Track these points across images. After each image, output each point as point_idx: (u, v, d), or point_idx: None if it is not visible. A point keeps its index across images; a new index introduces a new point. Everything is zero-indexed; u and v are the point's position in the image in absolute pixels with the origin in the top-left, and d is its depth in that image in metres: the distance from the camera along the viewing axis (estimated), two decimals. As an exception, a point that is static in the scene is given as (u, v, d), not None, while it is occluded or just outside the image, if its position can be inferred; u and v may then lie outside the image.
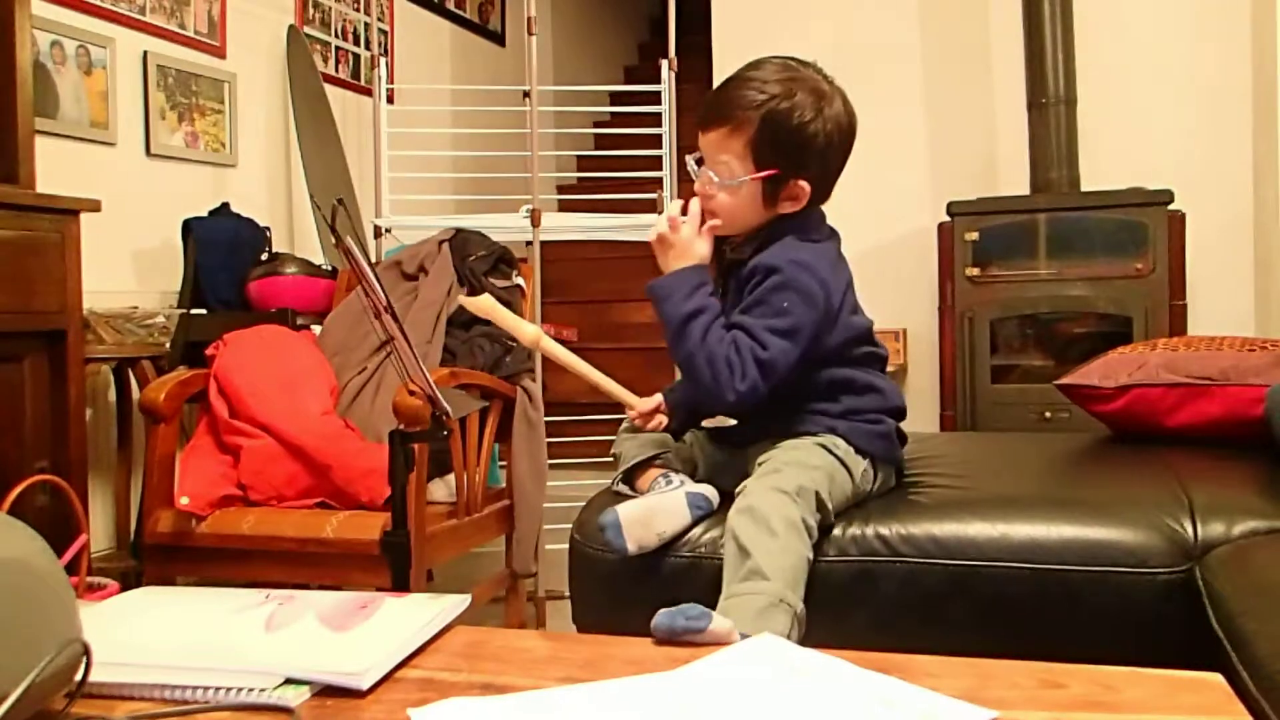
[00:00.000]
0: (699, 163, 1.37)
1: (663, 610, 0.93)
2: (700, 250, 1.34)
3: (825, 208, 1.43)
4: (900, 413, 1.44)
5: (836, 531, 1.31)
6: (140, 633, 0.90)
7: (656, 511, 1.32)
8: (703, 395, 1.33)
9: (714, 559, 1.29)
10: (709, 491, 1.36)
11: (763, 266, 1.32)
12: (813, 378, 1.36)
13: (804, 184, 1.33)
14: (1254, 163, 3.32)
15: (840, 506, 1.32)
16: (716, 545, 1.30)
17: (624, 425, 1.56)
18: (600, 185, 4.72)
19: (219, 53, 3.28)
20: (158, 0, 3.03)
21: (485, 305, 1.49)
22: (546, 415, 2.37)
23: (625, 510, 1.31)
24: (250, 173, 3.41)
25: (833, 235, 1.42)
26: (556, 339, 1.49)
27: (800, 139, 1.31)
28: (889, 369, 1.48)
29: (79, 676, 0.71)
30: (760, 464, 1.32)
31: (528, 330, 1.46)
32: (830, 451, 1.32)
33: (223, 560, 1.91)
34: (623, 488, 1.46)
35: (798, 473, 1.26)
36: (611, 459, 1.55)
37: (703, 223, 1.35)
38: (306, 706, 0.76)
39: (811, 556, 1.21)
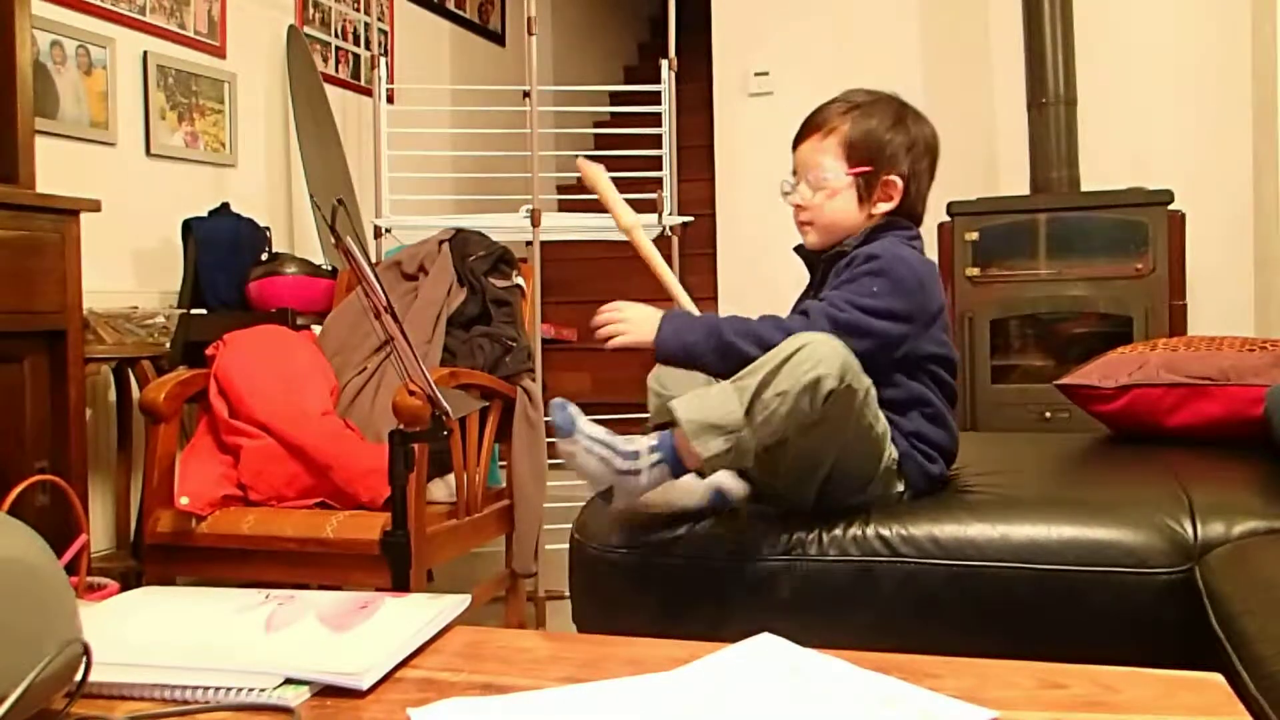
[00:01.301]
0: (794, 179, 1.44)
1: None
2: (647, 307, 1.36)
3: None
4: (953, 457, 1.43)
5: (837, 531, 1.31)
6: (140, 633, 0.90)
7: (677, 485, 1.31)
8: None
9: (710, 562, 1.30)
10: (735, 487, 1.35)
11: (863, 254, 1.35)
12: (895, 385, 1.35)
13: (896, 180, 1.39)
14: (1254, 163, 3.32)
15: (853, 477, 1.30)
16: (714, 547, 1.31)
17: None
18: (600, 185, 4.71)
19: (219, 53, 3.28)
20: (158, 0, 3.03)
21: (593, 175, 1.51)
22: (546, 415, 2.37)
23: (584, 423, 1.30)
24: (250, 173, 3.41)
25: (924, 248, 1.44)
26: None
27: (888, 137, 1.39)
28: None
29: (79, 676, 0.71)
30: None
31: (627, 215, 1.51)
32: (884, 455, 1.31)
33: (223, 560, 1.91)
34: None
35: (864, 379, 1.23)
36: (652, 399, 1.51)
37: None
38: (306, 706, 0.76)
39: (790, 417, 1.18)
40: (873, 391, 1.25)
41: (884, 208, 1.41)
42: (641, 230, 1.49)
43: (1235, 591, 1.07)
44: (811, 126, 1.43)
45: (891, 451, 1.33)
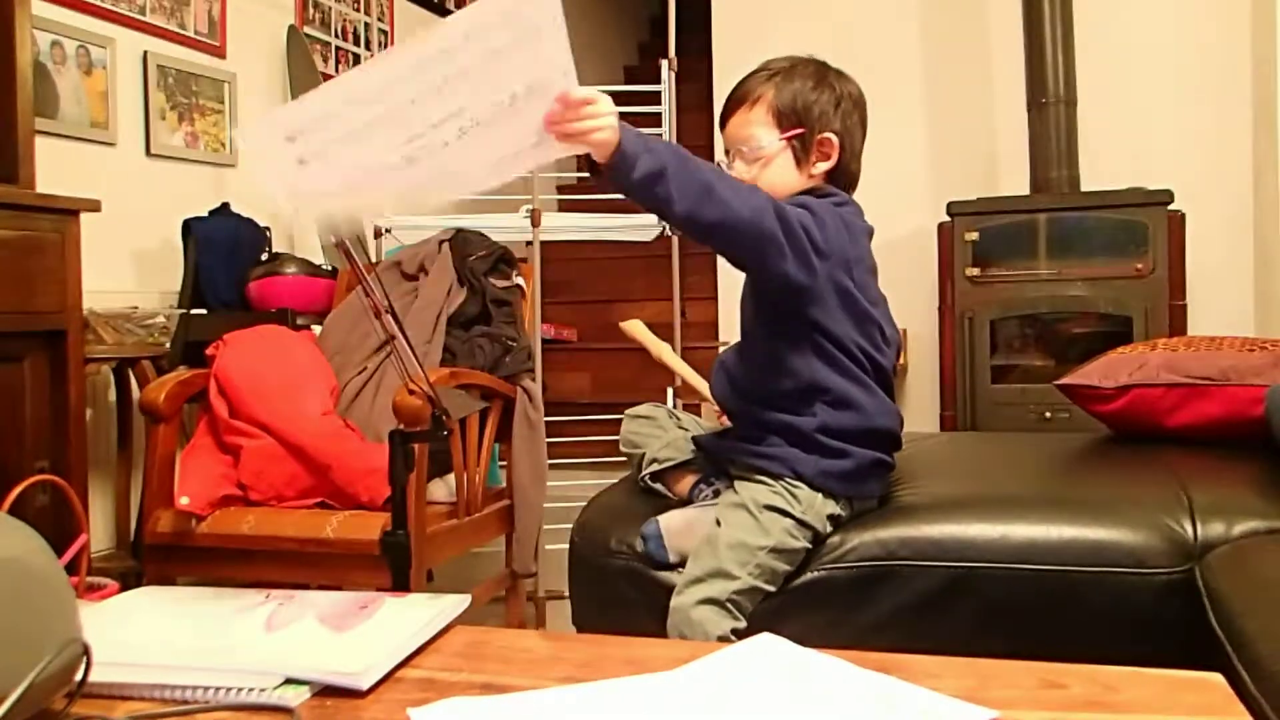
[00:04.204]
0: (728, 159, 1.40)
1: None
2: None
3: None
4: (885, 435, 1.35)
5: (836, 538, 1.31)
6: (140, 633, 0.90)
7: (699, 523, 1.32)
8: (730, 219, 1.17)
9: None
10: None
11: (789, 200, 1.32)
12: (789, 374, 1.31)
13: (832, 137, 1.36)
14: (1254, 163, 3.32)
15: (797, 563, 1.29)
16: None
17: (634, 410, 1.56)
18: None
19: (219, 53, 3.28)
20: (158, 0, 3.03)
21: (632, 330, 1.60)
22: (546, 415, 2.37)
23: (667, 521, 1.33)
24: (250, 173, 3.41)
25: (862, 216, 1.38)
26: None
27: (814, 96, 1.36)
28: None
29: (79, 676, 0.71)
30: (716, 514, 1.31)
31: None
32: (787, 513, 1.27)
33: (223, 560, 1.90)
34: (656, 486, 1.48)
35: (737, 562, 1.24)
36: (624, 451, 1.55)
37: None
38: (306, 706, 0.76)
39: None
40: (740, 533, 1.27)
41: (823, 167, 1.37)
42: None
43: (1235, 591, 1.07)
44: (736, 101, 1.39)
45: (812, 496, 1.29)
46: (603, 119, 1.08)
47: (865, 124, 1.41)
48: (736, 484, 1.33)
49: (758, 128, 1.36)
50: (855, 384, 1.31)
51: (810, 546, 1.29)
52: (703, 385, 1.55)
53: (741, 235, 1.20)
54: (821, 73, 1.39)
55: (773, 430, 1.32)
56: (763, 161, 1.36)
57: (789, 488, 1.29)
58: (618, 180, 1.13)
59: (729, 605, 1.22)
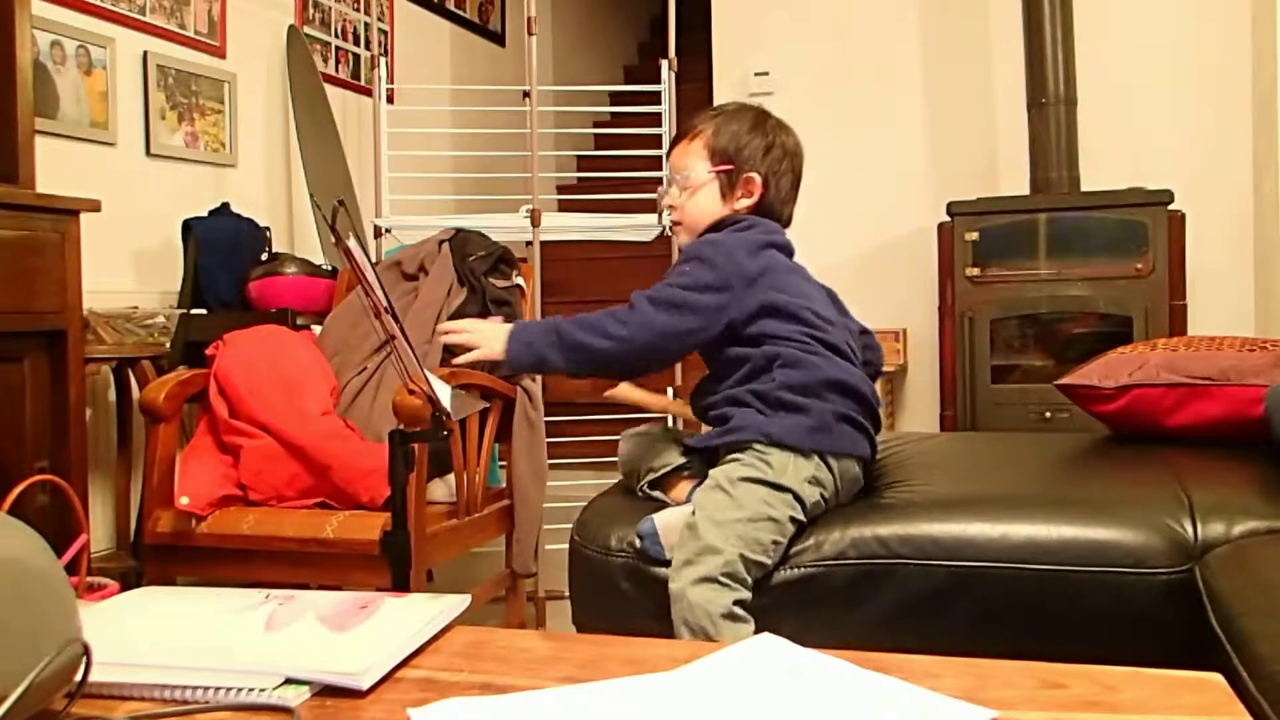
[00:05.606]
0: (667, 185, 1.55)
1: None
2: (499, 325, 1.46)
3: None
4: (843, 388, 1.39)
5: (835, 534, 1.31)
6: (140, 633, 0.90)
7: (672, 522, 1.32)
8: (618, 357, 1.39)
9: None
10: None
11: (684, 252, 1.47)
12: (746, 360, 1.40)
13: (756, 177, 1.48)
14: (1254, 163, 3.32)
15: (788, 533, 1.30)
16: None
17: (632, 431, 1.58)
18: (600, 185, 4.72)
19: (219, 53, 3.28)
20: (158, 0, 3.03)
21: (622, 394, 1.70)
22: (546, 415, 2.37)
23: (662, 519, 1.33)
24: (250, 173, 3.41)
25: (776, 233, 1.49)
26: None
27: (748, 139, 1.49)
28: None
29: (79, 676, 0.71)
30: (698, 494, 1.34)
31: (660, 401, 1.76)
32: (761, 481, 1.30)
33: (223, 560, 1.91)
34: (655, 493, 1.49)
35: (720, 537, 1.25)
36: (622, 470, 1.56)
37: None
38: (306, 706, 0.76)
39: (752, 625, 1.23)
40: (718, 511, 1.29)
41: (745, 203, 1.49)
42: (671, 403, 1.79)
43: (1235, 591, 1.07)
44: (681, 133, 1.54)
45: (784, 457, 1.32)
46: (470, 337, 1.43)
47: (797, 174, 1.54)
48: (711, 470, 1.36)
49: (693, 159, 1.50)
50: (806, 351, 1.39)
51: (799, 515, 1.31)
52: (687, 410, 1.60)
53: (638, 353, 1.39)
54: (759, 120, 1.52)
55: (740, 403, 1.38)
56: (691, 190, 1.50)
57: (759, 455, 1.32)
58: (518, 373, 1.52)
59: (723, 580, 1.23)
